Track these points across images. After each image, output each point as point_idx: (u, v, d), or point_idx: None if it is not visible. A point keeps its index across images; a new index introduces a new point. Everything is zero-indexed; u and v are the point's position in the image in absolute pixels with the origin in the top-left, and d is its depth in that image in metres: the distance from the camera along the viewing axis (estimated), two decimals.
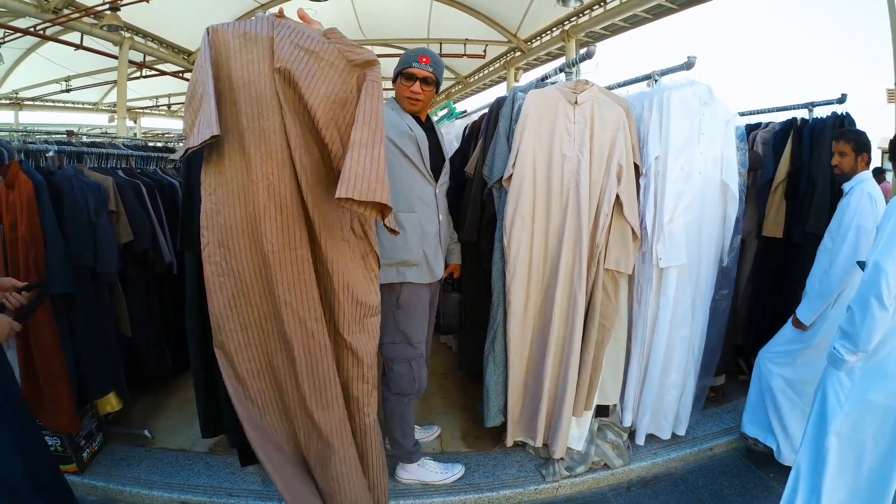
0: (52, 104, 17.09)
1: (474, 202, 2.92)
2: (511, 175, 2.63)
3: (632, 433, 3.13)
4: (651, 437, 3.16)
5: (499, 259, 2.74)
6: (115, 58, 10.52)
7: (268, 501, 2.64)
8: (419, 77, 2.44)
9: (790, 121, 3.83)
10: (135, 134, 14.42)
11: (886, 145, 2.29)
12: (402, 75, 2.47)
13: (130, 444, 3.09)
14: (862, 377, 2.00)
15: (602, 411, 2.99)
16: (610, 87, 3.13)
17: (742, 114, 4.19)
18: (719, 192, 2.95)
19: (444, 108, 5.19)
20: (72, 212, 2.68)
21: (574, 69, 2.69)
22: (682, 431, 3.19)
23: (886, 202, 2.35)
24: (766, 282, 3.70)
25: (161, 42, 11.41)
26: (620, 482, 2.94)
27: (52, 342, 2.59)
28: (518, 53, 11.54)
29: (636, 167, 2.71)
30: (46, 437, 2.77)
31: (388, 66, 2.58)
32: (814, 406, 2.16)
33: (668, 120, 2.70)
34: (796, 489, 2.20)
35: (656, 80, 2.98)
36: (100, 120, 17.62)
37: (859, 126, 3.59)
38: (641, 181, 2.76)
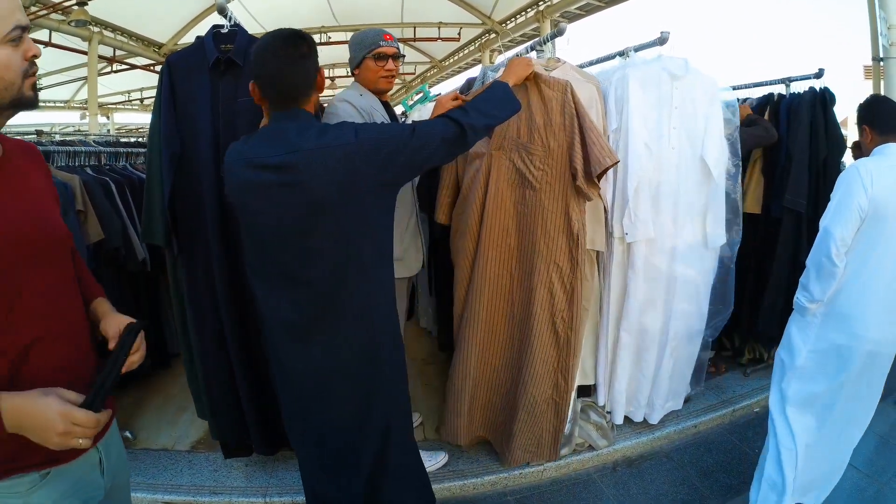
0: None
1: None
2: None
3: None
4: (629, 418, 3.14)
5: None
6: (85, 53, 10.29)
7: (251, 497, 2.62)
8: (390, 55, 2.43)
9: (767, 96, 3.82)
10: (108, 130, 14.15)
11: None
12: (372, 57, 2.42)
13: None
14: (823, 321, 2.25)
15: (584, 392, 2.98)
16: (582, 66, 3.09)
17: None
18: (701, 169, 2.90)
19: (419, 91, 5.13)
20: None
21: (545, 47, 2.65)
22: (654, 419, 3.12)
23: None
24: (748, 258, 3.70)
25: (131, 35, 11.17)
26: (605, 463, 2.95)
27: None
28: (493, 35, 11.44)
29: None
30: None
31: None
32: (780, 350, 2.41)
33: (627, 95, 2.67)
34: (774, 432, 2.39)
35: (628, 57, 2.95)
36: (72, 118, 17.30)
37: (838, 102, 3.58)
38: None
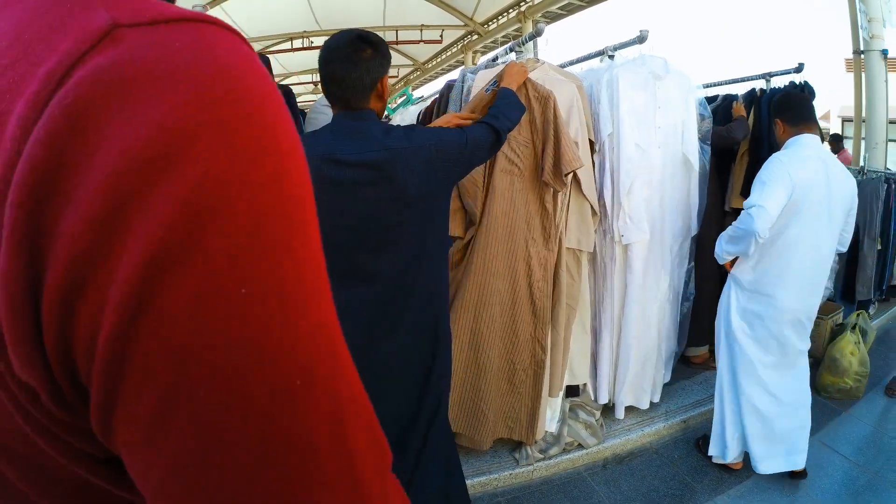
0: None
1: None
2: None
3: (610, 408, 3.15)
4: (627, 411, 3.17)
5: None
6: None
7: None
8: None
9: (750, 92, 3.85)
10: None
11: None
12: None
13: None
14: (750, 297, 2.61)
15: (572, 391, 2.98)
16: (563, 65, 3.10)
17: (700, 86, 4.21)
18: (682, 165, 2.96)
19: (402, 94, 5.12)
20: None
21: (524, 48, 2.65)
22: (656, 399, 3.23)
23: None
24: None
25: None
26: (595, 461, 2.94)
27: None
28: (475, 37, 11.42)
29: (591, 143, 2.68)
30: None
31: None
32: (720, 322, 2.76)
33: (618, 96, 2.69)
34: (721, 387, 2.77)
35: (610, 56, 2.96)
36: None
37: (819, 95, 3.62)
38: (596, 158, 2.74)
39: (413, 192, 1.70)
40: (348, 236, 1.69)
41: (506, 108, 2.02)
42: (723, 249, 2.58)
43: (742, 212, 2.42)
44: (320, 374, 0.34)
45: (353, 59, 1.64)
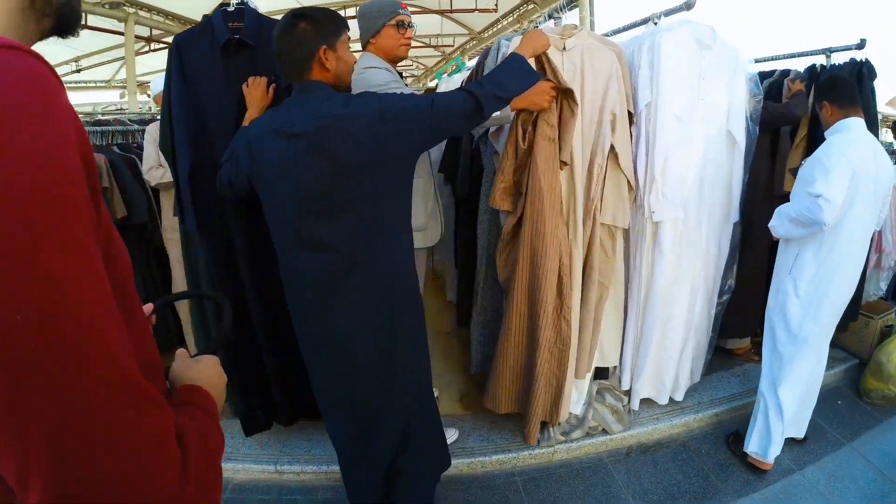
0: (66, 85, 17.07)
1: (465, 156, 2.89)
2: (498, 127, 2.50)
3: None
4: (649, 402, 3.05)
5: (484, 213, 2.65)
6: (122, 34, 10.43)
7: (263, 464, 2.69)
8: (407, 22, 2.35)
9: (810, 68, 3.61)
10: (150, 108, 14.34)
11: None
12: (394, 25, 2.32)
13: None
14: (807, 288, 2.52)
15: (601, 374, 2.89)
16: (607, 35, 2.97)
17: (756, 60, 3.96)
18: (726, 144, 2.78)
19: (454, 63, 5.08)
20: None
21: (562, 14, 2.54)
22: (679, 397, 3.07)
23: None
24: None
25: (167, 14, 11.27)
26: (619, 448, 2.86)
27: None
28: (531, 6, 11.18)
29: (630, 115, 2.54)
30: None
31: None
32: (774, 318, 2.66)
33: (659, 64, 2.52)
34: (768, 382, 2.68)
35: (655, 23, 2.80)
36: (113, 97, 17.63)
37: (885, 77, 3.38)
38: (633, 130, 2.60)
39: (353, 162, 1.67)
40: (299, 207, 1.72)
41: (502, 75, 1.88)
42: (785, 229, 2.50)
43: (809, 198, 2.34)
44: (53, 320, 0.44)
45: (287, 34, 1.71)
